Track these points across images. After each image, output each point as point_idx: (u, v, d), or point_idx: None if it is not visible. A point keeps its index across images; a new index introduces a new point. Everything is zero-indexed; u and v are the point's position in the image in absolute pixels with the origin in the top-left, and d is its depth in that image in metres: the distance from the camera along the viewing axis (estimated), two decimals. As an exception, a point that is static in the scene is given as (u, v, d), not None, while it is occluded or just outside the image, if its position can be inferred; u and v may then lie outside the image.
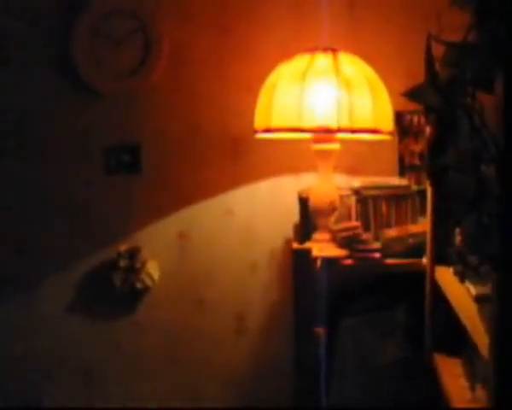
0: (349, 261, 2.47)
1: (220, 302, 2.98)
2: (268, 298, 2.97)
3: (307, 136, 2.52)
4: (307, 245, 2.53)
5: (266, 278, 2.96)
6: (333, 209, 2.52)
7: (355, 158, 2.86)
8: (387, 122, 2.41)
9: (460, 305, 1.81)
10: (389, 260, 2.47)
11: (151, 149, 2.94)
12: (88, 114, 2.94)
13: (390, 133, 2.44)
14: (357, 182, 2.71)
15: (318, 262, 2.42)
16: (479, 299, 1.71)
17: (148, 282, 2.90)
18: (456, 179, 1.40)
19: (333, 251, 2.48)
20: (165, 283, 2.95)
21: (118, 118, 2.93)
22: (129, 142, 2.93)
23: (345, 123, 2.29)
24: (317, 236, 2.55)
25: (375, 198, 2.66)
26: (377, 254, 2.47)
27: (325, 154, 2.51)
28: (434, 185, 1.84)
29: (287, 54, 2.59)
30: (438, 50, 1.66)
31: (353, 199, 2.67)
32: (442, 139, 1.53)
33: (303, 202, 2.66)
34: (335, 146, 2.50)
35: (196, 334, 2.99)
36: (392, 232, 2.53)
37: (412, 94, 1.69)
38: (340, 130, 2.30)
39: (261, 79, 2.60)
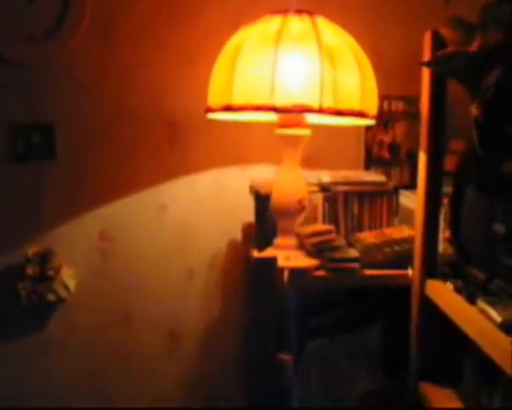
0: (321, 273, 2.04)
1: (150, 316, 2.62)
2: (208, 313, 2.63)
3: (273, 117, 2.09)
4: (270, 253, 2.07)
5: (206, 288, 2.62)
6: (301, 209, 2.08)
7: (312, 148, 2.45)
8: (373, 104, 1.99)
9: (476, 332, 1.54)
10: (369, 271, 2.07)
11: (68, 130, 2.49)
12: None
13: (374, 117, 2.02)
14: (325, 176, 2.30)
15: (286, 274, 1.98)
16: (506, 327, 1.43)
17: (63, 293, 2.52)
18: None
19: (303, 261, 2.04)
20: (83, 293, 2.57)
21: (27, 90, 2.45)
22: (41, 120, 2.47)
23: (328, 102, 1.83)
24: (280, 241, 2.10)
25: (347, 196, 2.25)
26: (356, 264, 2.05)
27: (294, 141, 2.06)
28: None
29: (239, 21, 2.20)
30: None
31: (320, 197, 2.25)
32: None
33: (261, 199, 2.21)
34: (306, 132, 2.07)
35: (122, 354, 2.62)
36: (370, 238, 2.13)
37: (443, 59, 1.28)
38: (321, 110, 1.84)
39: (207, 50, 2.23)
